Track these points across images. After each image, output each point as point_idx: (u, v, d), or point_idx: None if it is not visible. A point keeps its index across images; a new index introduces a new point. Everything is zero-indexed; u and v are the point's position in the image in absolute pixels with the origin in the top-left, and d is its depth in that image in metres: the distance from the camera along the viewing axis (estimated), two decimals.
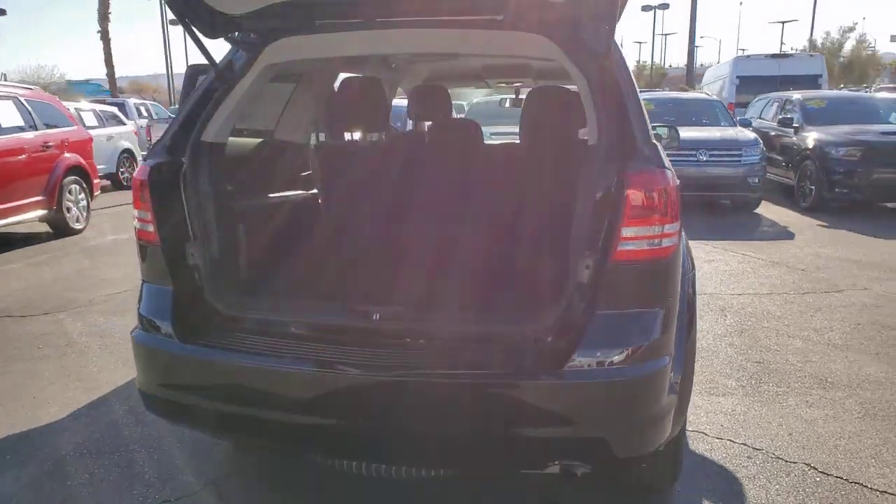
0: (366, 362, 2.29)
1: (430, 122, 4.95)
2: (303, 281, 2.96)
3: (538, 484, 3.06)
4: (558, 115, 3.20)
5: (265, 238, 3.10)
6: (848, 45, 50.98)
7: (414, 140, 3.80)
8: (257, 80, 2.80)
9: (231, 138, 2.83)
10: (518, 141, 3.56)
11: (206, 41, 2.72)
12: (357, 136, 3.92)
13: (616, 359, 2.17)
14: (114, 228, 9.80)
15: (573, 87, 2.83)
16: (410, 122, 5.03)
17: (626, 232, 2.15)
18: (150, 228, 2.58)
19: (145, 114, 19.62)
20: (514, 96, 5.72)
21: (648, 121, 2.36)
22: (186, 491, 3.06)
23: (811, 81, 15.76)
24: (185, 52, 71.23)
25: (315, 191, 3.79)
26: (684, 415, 2.55)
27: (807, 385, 4.11)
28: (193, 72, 4.70)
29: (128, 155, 14.98)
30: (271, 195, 3.32)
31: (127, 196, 13.39)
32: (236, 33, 2.80)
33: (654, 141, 2.29)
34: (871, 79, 47.34)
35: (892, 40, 52.76)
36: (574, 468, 2.26)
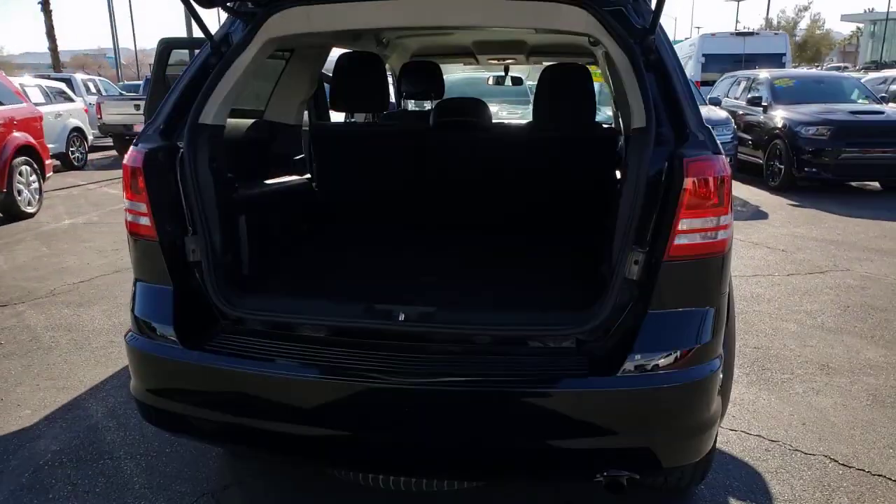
0: (392, 369, 2.10)
1: (431, 101, 4.73)
2: (314, 278, 2.74)
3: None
4: (579, 96, 3.01)
5: (269, 230, 2.86)
6: (802, 24, 52.09)
7: (418, 121, 3.56)
8: (257, 56, 2.54)
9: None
10: (518, 120, 3.38)
11: (200, 10, 2.44)
12: (354, 117, 3.66)
13: (669, 363, 2.02)
14: (69, 211, 9.30)
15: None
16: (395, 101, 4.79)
17: (683, 224, 1.99)
18: (146, 221, 2.32)
19: (94, 90, 18.71)
20: (502, 73, 5.50)
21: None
22: (181, 503, 2.83)
23: (775, 60, 15.91)
24: (132, 25, 68.67)
25: (308, 176, 3.55)
26: (723, 417, 2.43)
27: (810, 371, 4.07)
28: (166, 46, 4.37)
29: (78, 133, 14.27)
30: (269, 182, 3.06)
31: (80, 177, 12.83)
32: (235, 2, 2.53)
33: (707, 125, 2.12)
34: (823, 57, 48.48)
35: (842, 19, 54.03)
36: (620, 478, 2.11)
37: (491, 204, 3.38)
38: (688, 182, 1.97)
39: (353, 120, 3.51)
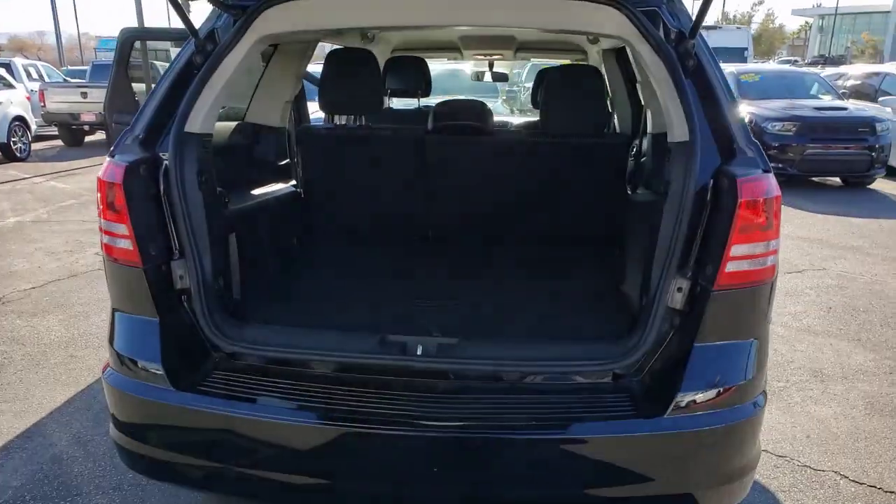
0: (410, 413, 1.89)
1: (418, 99, 4.49)
2: (313, 301, 2.51)
3: None
4: (591, 99, 2.83)
5: (259, 248, 2.61)
6: (757, 18, 53.19)
7: (413, 124, 3.33)
8: (248, 56, 2.29)
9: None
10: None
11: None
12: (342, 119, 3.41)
13: (717, 401, 1.87)
14: (14, 208, 8.75)
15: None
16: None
17: (736, 250, 1.83)
18: (126, 244, 2.05)
19: (35, 76, 17.76)
20: (487, 69, 5.30)
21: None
22: None
23: (738, 54, 16.06)
24: (74, 7, 65.83)
25: (293, 183, 3.29)
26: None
27: (804, 378, 4.01)
28: (129, 37, 4.02)
29: (20, 123, 13.48)
30: (257, 193, 2.81)
31: (24, 169, 12.11)
32: None
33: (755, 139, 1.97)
34: (776, 51, 49.65)
35: (793, 13, 55.35)
36: None
37: (499, 214, 3.19)
38: (742, 204, 1.81)
39: (342, 122, 3.26)
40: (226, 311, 2.21)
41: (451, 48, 4.65)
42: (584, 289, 2.63)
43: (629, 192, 3.07)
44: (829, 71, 15.18)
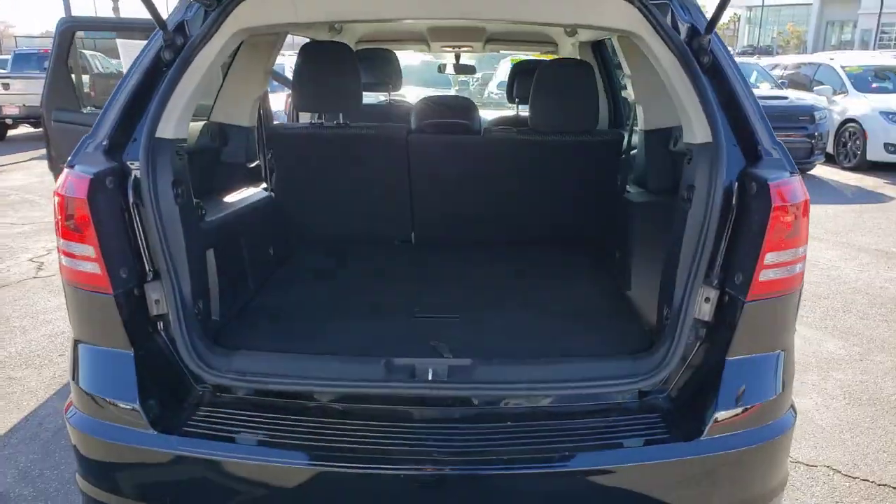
0: (428, 448, 1.72)
1: (388, 94, 4.28)
2: (302, 321, 2.29)
3: None
4: (584, 95, 2.70)
5: (237, 262, 2.38)
6: None
7: (391, 121, 3.12)
8: (223, 51, 2.05)
9: None
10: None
11: None
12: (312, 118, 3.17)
13: (752, 418, 1.77)
14: None
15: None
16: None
17: (769, 258, 1.72)
18: (93, 268, 1.80)
19: None
20: (454, 62, 5.10)
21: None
22: None
23: None
24: None
25: (264, 186, 3.05)
26: None
27: None
28: (68, 27, 3.68)
29: None
30: (230, 200, 2.57)
31: None
32: None
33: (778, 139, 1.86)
34: None
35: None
36: None
37: (488, 217, 3.03)
38: (775, 210, 1.70)
39: (319, 121, 3.02)
40: (208, 336, 1.99)
41: (418, 39, 4.46)
42: (589, 296, 2.49)
43: (624, 191, 2.96)
44: (766, 61, 15.58)
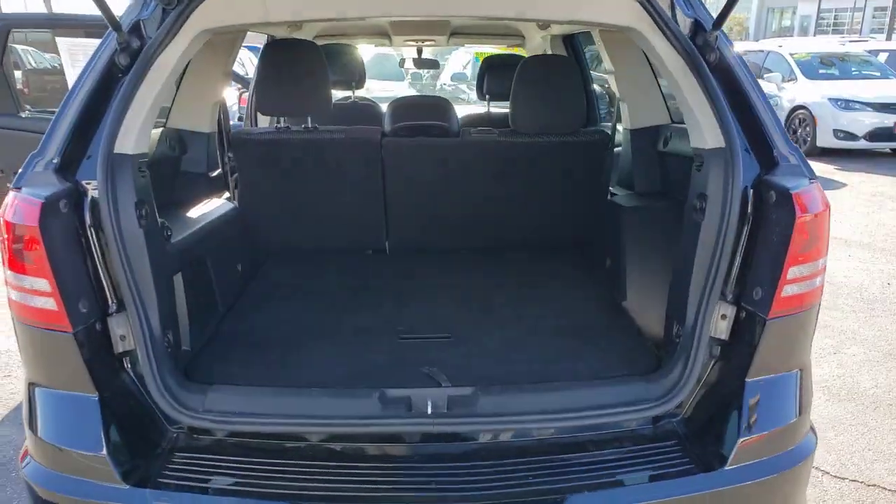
0: (429, 493, 1.58)
1: (353, 91, 4.08)
2: (280, 346, 2.10)
3: None
4: (570, 94, 2.57)
5: (210, 287, 2.19)
6: None
7: (358, 122, 2.94)
8: (186, 54, 1.85)
9: None
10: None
11: None
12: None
13: (775, 444, 1.69)
14: None
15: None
16: None
17: (793, 272, 1.62)
18: (48, 303, 1.59)
19: None
20: (415, 56, 4.92)
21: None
22: None
23: None
24: None
25: (227, 196, 2.84)
26: None
27: None
28: (4, 26, 3.37)
29: None
30: (193, 216, 2.36)
31: None
32: None
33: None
34: None
35: None
36: None
37: (469, 223, 2.88)
38: (800, 221, 1.59)
39: (284, 125, 2.81)
40: (179, 371, 1.80)
41: (379, 33, 4.26)
42: (584, 308, 2.38)
43: (612, 194, 2.86)
44: None
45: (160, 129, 2.57)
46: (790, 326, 1.69)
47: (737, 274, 1.70)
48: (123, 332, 1.67)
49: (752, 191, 1.68)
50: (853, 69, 12.23)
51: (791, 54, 12.16)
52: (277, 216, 2.85)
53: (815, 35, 33.32)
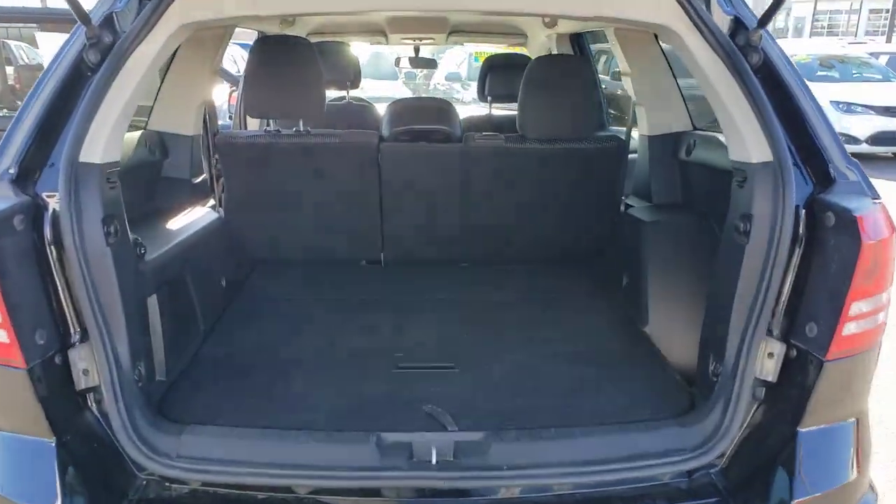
0: None
1: (347, 91, 3.87)
2: (267, 380, 1.89)
3: None
4: (583, 96, 2.38)
5: (190, 308, 1.98)
6: None
7: (365, 131, 2.72)
8: (164, 51, 1.64)
9: None
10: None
11: None
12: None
13: None
14: None
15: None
16: None
17: (855, 308, 1.42)
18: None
19: None
20: (413, 55, 4.70)
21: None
22: None
23: None
24: None
25: (212, 204, 2.64)
26: None
27: None
28: None
29: None
30: (172, 227, 2.16)
31: None
32: None
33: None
34: None
35: None
36: None
37: (471, 235, 2.68)
38: (865, 249, 1.39)
39: (275, 128, 2.59)
40: (151, 408, 1.59)
41: (375, 31, 4.04)
42: (601, 333, 2.17)
43: (626, 206, 2.66)
44: None
45: (140, 132, 2.36)
46: (849, 369, 1.48)
47: (785, 306, 1.51)
48: (87, 366, 1.47)
49: (804, 211, 1.49)
50: (853, 72, 12.09)
51: (792, 56, 12.02)
52: (266, 225, 2.65)
53: (809, 37, 33.23)
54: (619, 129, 4.42)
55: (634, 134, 2.90)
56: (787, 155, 1.50)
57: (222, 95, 6.44)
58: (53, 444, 1.42)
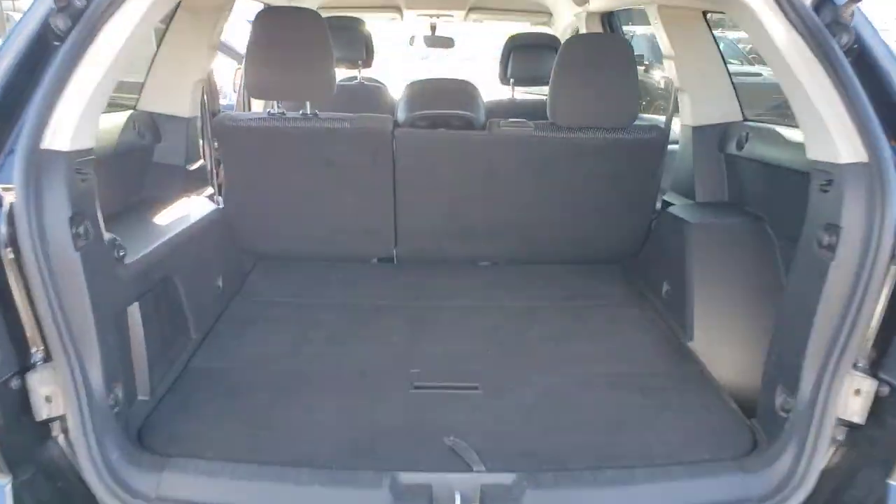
0: None
1: (359, 70, 3.62)
2: (266, 402, 1.66)
3: None
4: (622, 82, 2.15)
5: (180, 315, 1.77)
6: None
7: (378, 115, 2.47)
8: (148, 18, 1.40)
9: None
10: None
11: None
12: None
13: None
14: None
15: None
16: None
17: None
18: None
19: None
20: (430, 33, 4.42)
21: None
22: None
23: None
24: None
25: (209, 193, 2.41)
26: None
27: None
28: None
29: None
30: (161, 222, 1.93)
31: None
32: None
33: None
34: None
35: None
36: None
37: (495, 232, 2.45)
38: None
39: (279, 111, 2.34)
40: (129, 435, 1.38)
41: (390, 6, 3.78)
42: (642, 348, 1.94)
43: (664, 203, 2.43)
44: (732, 34, 15.24)
45: (128, 112, 2.13)
46: None
47: (876, 336, 1.28)
48: (49, 392, 1.25)
49: None
50: None
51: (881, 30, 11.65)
52: (268, 218, 2.42)
53: None
54: (650, 118, 4.17)
55: (676, 123, 2.65)
56: (886, 155, 1.26)
57: (227, 74, 6.18)
58: (8, 485, 1.20)
